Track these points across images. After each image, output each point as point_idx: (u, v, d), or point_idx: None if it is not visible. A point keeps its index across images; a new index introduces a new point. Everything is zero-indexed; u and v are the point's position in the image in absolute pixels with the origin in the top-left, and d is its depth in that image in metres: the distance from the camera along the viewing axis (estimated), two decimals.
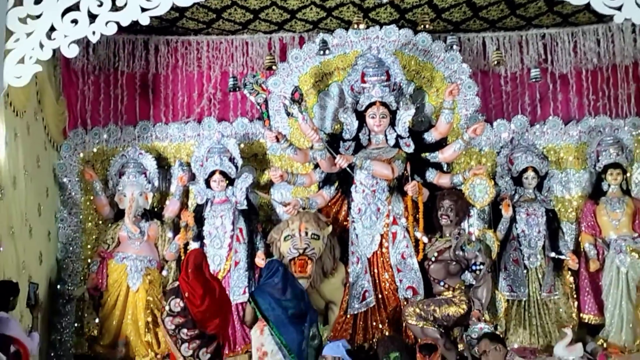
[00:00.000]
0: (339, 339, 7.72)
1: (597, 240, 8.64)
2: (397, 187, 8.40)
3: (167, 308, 6.91)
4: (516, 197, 8.72)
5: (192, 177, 8.81)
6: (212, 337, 6.78)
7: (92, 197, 8.87)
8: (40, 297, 7.30)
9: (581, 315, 8.63)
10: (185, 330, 6.77)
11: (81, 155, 8.95)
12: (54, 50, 6.46)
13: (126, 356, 8.29)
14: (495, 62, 8.64)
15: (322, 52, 8.56)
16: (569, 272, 8.72)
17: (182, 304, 6.85)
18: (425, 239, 8.16)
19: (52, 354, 8.29)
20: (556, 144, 9.12)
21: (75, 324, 8.44)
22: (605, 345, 8.33)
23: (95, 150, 9.01)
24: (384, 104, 8.42)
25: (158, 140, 9.12)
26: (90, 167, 8.86)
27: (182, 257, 8.32)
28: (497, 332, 7.89)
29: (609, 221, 8.60)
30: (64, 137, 8.95)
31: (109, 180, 8.85)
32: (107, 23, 6.47)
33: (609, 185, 8.72)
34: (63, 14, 6.39)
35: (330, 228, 8.24)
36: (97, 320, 8.37)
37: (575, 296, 8.69)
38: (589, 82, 9.25)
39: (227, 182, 8.55)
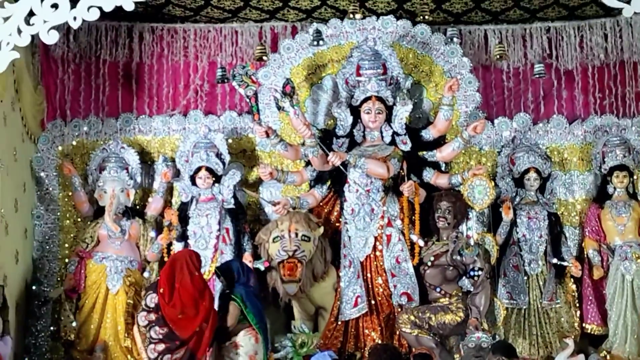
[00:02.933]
0: (329, 347, 7.71)
1: (602, 246, 8.63)
2: (392, 187, 8.37)
3: (143, 303, 6.89)
4: (517, 199, 8.70)
5: (177, 174, 8.76)
6: (182, 343, 6.66)
7: (70, 193, 8.80)
8: (16, 298, 7.27)
9: (584, 325, 8.63)
10: (156, 328, 6.68)
11: (60, 148, 8.89)
12: (33, 37, 6.43)
13: None
14: (498, 57, 8.62)
15: (315, 43, 8.52)
16: (572, 280, 8.71)
17: (156, 300, 6.80)
18: (421, 243, 8.12)
19: (26, 359, 8.22)
20: (560, 144, 9.10)
21: (51, 328, 8.37)
22: (608, 357, 8.33)
23: (74, 143, 8.94)
24: (380, 99, 8.38)
25: (141, 134, 9.05)
26: (69, 161, 8.80)
27: (165, 258, 8.29)
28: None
29: (614, 226, 8.58)
30: (42, 129, 8.89)
31: (88, 175, 8.79)
32: (89, 8, 6.45)
33: (615, 189, 8.70)
34: None
35: (321, 229, 8.21)
36: (74, 324, 8.30)
37: (577, 305, 8.69)
38: (596, 79, 9.23)
39: (214, 179, 8.50)
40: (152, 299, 6.83)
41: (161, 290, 6.79)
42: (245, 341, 6.89)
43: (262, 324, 7.06)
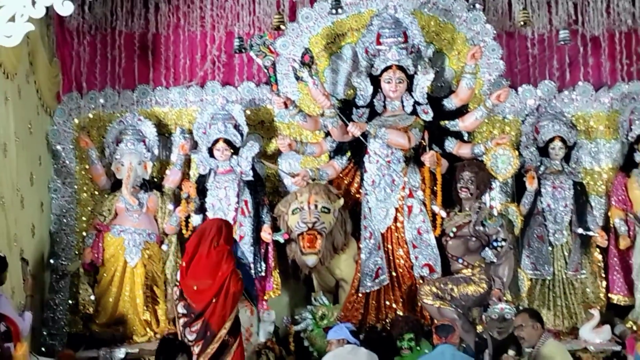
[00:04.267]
0: (350, 320, 7.76)
1: (628, 215, 8.61)
2: (413, 158, 8.38)
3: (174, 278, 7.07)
4: (542, 168, 8.68)
5: (195, 146, 8.79)
6: (198, 315, 6.71)
7: (87, 166, 8.87)
8: (32, 272, 7.35)
9: (609, 295, 8.63)
10: (181, 304, 6.75)
11: (76, 121, 8.94)
12: (47, 8, 6.40)
13: (123, 335, 8.35)
14: (522, 23, 8.54)
15: (334, 12, 8.46)
16: (597, 250, 8.71)
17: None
18: (443, 214, 8.14)
19: (44, 333, 8.34)
20: (586, 111, 9.05)
21: (70, 301, 8.48)
22: (634, 327, 8.34)
23: (91, 115, 8.99)
24: (400, 68, 8.36)
25: (158, 106, 9.08)
26: (85, 133, 8.85)
27: (184, 231, 8.36)
28: None
29: None
30: (57, 102, 8.94)
31: (105, 148, 8.84)
32: None
33: None
34: None
35: (341, 201, 8.23)
36: (92, 297, 8.40)
37: (603, 275, 8.70)
38: (622, 45, 9.15)
39: (232, 151, 8.52)
40: (178, 274, 6.92)
41: (183, 264, 6.86)
42: (241, 314, 6.93)
43: (255, 295, 7.09)
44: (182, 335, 6.62)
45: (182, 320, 6.70)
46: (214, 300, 6.61)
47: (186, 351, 4.34)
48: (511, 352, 6.74)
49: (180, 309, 6.72)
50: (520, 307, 8.14)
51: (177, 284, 6.82)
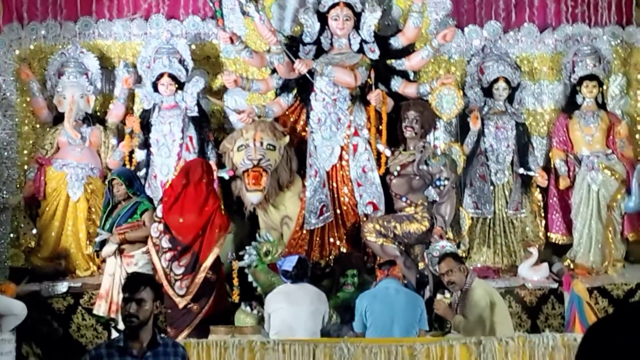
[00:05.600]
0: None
1: (569, 156, 8.74)
2: (359, 96, 8.38)
3: (154, 215, 7.17)
4: (485, 109, 8.75)
5: (138, 80, 8.69)
6: (185, 248, 6.81)
7: (28, 99, 8.75)
8: None
9: (548, 234, 8.82)
10: (165, 237, 6.86)
11: (17, 52, 8.78)
12: None
13: (66, 269, 8.35)
14: None
15: None
16: (538, 190, 8.86)
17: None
18: (387, 152, 8.19)
19: None
20: (530, 53, 9.12)
21: (11, 235, 8.45)
22: (572, 266, 8.54)
23: (32, 47, 8.84)
24: (348, 5, 8.32)
25: (101, 38, 8.94)
26: (26, 65, 8.70)
27: (127, 165, 8.30)
28: (460, 251, 8.04)
29: (582, 136, 8.68)
30: None
31: (47, 80, 8.71)
32: None
33: (584, 98, 8.77)
34: None
35: (287, 138, 8.22)
36: (34, 231, 8.39)
37: (542, 214, 8.87)
38: None
39: (177, 86, 8.44)
40: (160, 209, 6.99)
41: (165, 199, 7.00)
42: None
43: None
44: (169, 270, 6.75)
45: (167, 255, 6.85)
46: (200, 233, 6.75)
47: (150, 285, 4.36)
48: (441, 295, 6.90)
49: (165, 243, 6.85)
50: (462, 245, 8.32)
51: (159, 219, 6.87)
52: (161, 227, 6.93)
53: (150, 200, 7.90)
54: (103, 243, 7.66)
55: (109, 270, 7.57)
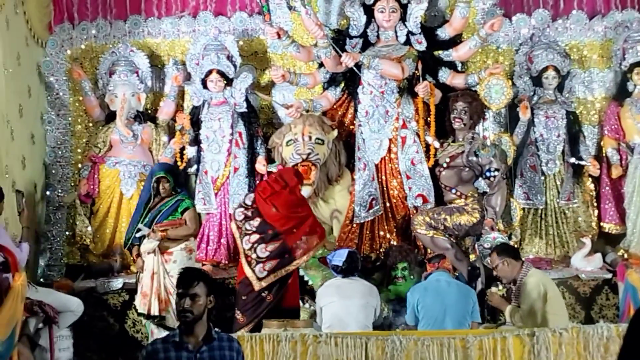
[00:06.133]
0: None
1: (621, 144, 8.65)
2: (407, 88, 8.38)
3: (241, 200, 7.31)
4: (535, 98, 8.69)
5: (188, 77, 8.78)
6: (275, 235, 6.90)
7: (81, 98, 8.88)
8: (24, 204, 7.40)
9: (601, 224, 8.72)
10: (251, 222, 7.01)
11: (68, 52, 8.92)
12: None
13: (121, 266, 8.47)
14: None
15: None
16: (590, 179, 8.79)
17: (253, 198, 7.16)
18: (436, 144, 8.17)
19: (42, 264, 8.45)
20: (579, 40, 9.02)
21: (67, 232, 8.59)
22: (625, 255, 8.44)
23: (83, 46, 8.97)
24: None
25: (150, 37, 9.04)
26: (78, 65, 8.84)
27: (178, 162, 8.39)
28: (511, 243, 7.99)
29: (633, 124, 8.57)
30: (49, 33, 8.89)
31: (98, 79, 8.84)
32: None
33: (635, 86, 8.67)
34: None
35: (335, 132, 8.26)
36: (89, 229, 8.51)
37: (595, 204, 8.78)
38: None
39: (225, 82, 8.50)
40: (249, 198, 7.17)
41: (260, 189, 7.22)
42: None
43: None
44: (252, 252, 6.85)
45: (252, 237, 6.94)
46: (293, 229, 6.97)
47: (204, 279, 4.41)
48: (495, 288, 6.86)
49: (249, 227, 6.98)
50: (513, 236, 8.26)
51: (246, 206, 7.10)
52: (248, 212, 7.06)
53: (191, 197, 8.01)
54: (141, 238, 7.76)
55: (148, 268, 7.65)
